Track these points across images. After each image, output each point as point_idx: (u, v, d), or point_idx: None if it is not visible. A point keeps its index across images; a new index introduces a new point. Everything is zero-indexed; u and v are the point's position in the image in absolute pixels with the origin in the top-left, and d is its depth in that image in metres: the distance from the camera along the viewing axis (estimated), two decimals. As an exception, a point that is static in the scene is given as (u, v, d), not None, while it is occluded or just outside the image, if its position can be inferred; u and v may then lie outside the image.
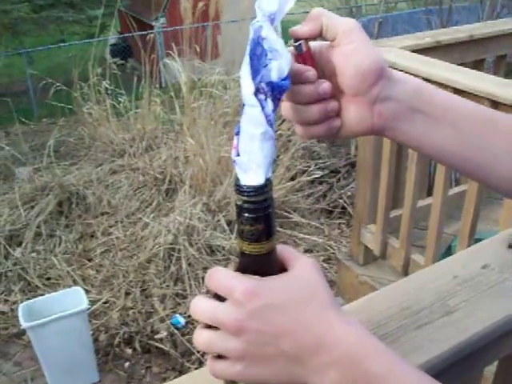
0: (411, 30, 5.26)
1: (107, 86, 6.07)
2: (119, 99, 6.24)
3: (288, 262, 0.64)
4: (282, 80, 0.61)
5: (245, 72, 0.60)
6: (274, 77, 0.61)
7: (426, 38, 2.80)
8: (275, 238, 0.63)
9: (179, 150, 5.24)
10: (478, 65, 2.99)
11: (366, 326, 0.85)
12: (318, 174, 5.12)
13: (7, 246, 4.41)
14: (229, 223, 4.45)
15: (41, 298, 3.46)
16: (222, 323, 0.59)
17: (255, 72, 0.60)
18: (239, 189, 0.60)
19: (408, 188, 2.62)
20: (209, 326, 0.61)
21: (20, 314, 3.10)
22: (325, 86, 0.67)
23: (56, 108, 6.39)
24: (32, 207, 4.82)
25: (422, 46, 2.73)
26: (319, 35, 0.68)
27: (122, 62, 9.54)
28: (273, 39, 0.62)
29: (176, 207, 4.60)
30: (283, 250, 0.65)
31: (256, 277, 0.61)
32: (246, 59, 0.60)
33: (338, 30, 0.67)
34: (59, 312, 3.12)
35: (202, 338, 0.61)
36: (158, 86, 6.35)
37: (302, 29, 0.67)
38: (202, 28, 6.15)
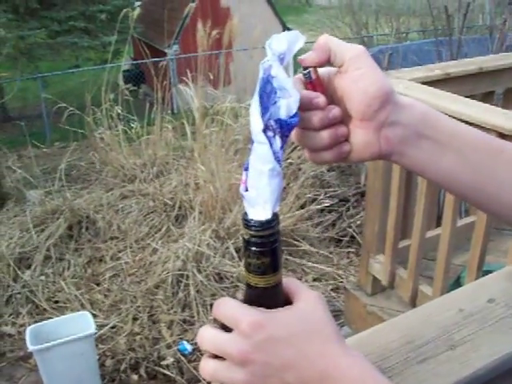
0: (421, 60, 5.30)
1: (119, 111, 6.13)
2: (131, 125, 6.31)
3: (294, 294, 0.64)
4: (291, 117, 0.62)
5: (254, 109, 0.61)
6: (283, 114, 0.62)
7: (436, 70, 2.82)
8: (281, 271, 0.64)
9: (190, 177, 5.27)
10: (487, 97, 3.00)
11: (369, 358, 0.85)
12: (328, 202, 5.13)
13: (16, 269, 4.43)
14: (238, 250, 4.46)
15: (48, 321, 3.46)
16: (228, 354, 0.60)
17: (264, 109, 0.62)
18: (247, 223, 0.62)
19: (417, 218, 2.62)
20: (215, 356, 0.61)
21: (27, 336, 3.11)
22: (335, 111, 0.68)
23: (68, 132, 6.46)
24: (42, 230, 4.84)
25: (431, 78, 2.74)
26: (327, 62, 0.69)
27: (135, 88, 9.62)
28: (282, 78, 0.63)
29: (185, 233, 4.62)
30: (289, 283, 0.65)
31: (262, 309, 0.62)
32: (256, 97, 0.62)
33: (345, 57, 0.68)
34: (66, 336, 3.12)
35: (208, 368, 0.62)
36: (169, 112, 6.42)
37: (310, 56, 0.68)
38: (214, 56, 6.22)
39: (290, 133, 0.64)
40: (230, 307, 0.62)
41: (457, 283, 2.88)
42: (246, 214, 0.63)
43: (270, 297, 0.65)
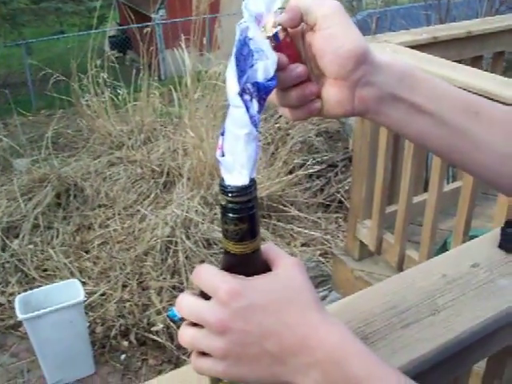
0: (410, 25, 5.26)
1: (106, 78, 6.06)
2: (118, 91, 6.24)
3: (272, 261, 0.64)
4: (268, 81, 0.61)
5: (230, 72, 0.60)
6: (260, 77, 0.61)
7: (424, 33, 2.80)
8: (259, 237, 0.63)
9: (178, 143, 5.24)
10: (475, 61, 2.98)
11: (353, 324, 0.86)
12: (316, 168, 5.12)
13: (4, 238, 4.41)
14: (227, 217, 4.46)
15: (37, 289, 3.46)
16: (206, 322, 0.59)
17: (241, 72, 0.61)
18: (224, 189, 0.61)
19: (404, 183, 2.63)
20: (194, 324, 0.61)
21: (16, 305, 3.11)
22: (298, 71, 0.67)
23: (54, 99, 6.40)
24: (30, 199, 4.82)
25: (419, 42, 2.72)
26: (299, 23, 0.67)
27: (121, 54, 9.51)
28: (259, 40, 0.62)
29: (174, 200, 4.61)
30: (268, 250, 0.65)
31: (241, 276, 0.61)
32: (232, 60, 0.61)
33: (318, 15, 0.66)
34: (56, 304, 3.13)
35: (185, 336, 0.62)
36: (156, 78, 6.35)
37: (281, 17, 0.66)
38: (202, 21, 6.14)
39: (267, 96, 0.62)
40: (208, 274, 0.61)
41: (443, 248, 2.90)
42: (222, 179, 0.62)
43: (249, 264, 0.65)
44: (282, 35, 0.66)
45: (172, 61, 6.13)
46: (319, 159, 5.30)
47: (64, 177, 4.97)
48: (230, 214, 0.61)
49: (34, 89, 9.04)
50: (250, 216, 0.61)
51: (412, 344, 0.81)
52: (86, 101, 6.17)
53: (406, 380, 0.59)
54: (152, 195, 4.90)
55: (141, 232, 4.42)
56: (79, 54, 6.18)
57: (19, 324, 3.77)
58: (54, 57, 9.75)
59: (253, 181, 0.61)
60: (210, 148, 4.75)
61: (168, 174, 5.02)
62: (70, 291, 3.25)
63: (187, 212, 4.36)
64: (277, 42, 0.66)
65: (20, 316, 3.03)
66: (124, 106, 6.11)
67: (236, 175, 0.61)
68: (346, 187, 5.01)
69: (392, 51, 2.46)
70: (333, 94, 0.70)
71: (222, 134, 0.63)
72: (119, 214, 4.71)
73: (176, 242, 4.18)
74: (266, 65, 0.61)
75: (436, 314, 0.86)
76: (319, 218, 4.82)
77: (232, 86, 0.60)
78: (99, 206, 4.84)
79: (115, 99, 6.17)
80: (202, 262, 4.13)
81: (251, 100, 0.61)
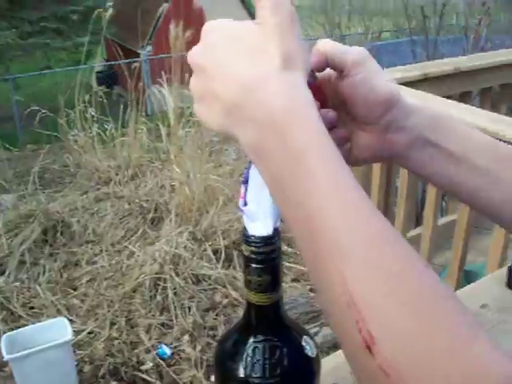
0: (397, 60, 5.32)
1: (93, 113, 6.06)
2: (105, 126, 6.23)
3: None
4: None
5: None
6: None
7: (414, 70, 2.83)
8: (282, 288, 0.62)
9: (165, 179, 5.23)
10: (464, 97, 3.02)
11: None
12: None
13: (-11, 276, 4.35)
14: (215, 252, 4.43)
15: (24, 328, 3.39)
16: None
17: None
18: (247, 239, 0.59)
19: (398, 219, 2.63)
20: None
21: (2, 345, 3.04)
22: (330, 116, 0.66)
23: (41, 135, 6.38)
24: (16, 235, 4.76)
25: (409, 78, 2.75)
26: (325, 66, 0.67)
27: (108, 89, 9.54)
28: None
29: (162, 236, 4.58)
30: None
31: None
32: None
33: (345, 61, 0.66)
34: (43, 343, 3.06)
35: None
36: (144, 113, 6.36)
37: None
38: (182, 58, 6.17)
39: None
40: None
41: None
42: (245, 229, 0.60)
43: (270, 314, 0.63)
44: (310, 79, 0.66)
45: (155, 98, 6.16)
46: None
47: (51, 213, 4.93)
48: (253, 265, 0.59)
49: (20, 123, 9.03)
50: (273, 267, 0.60)
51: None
52: (73, 136, 6.16)
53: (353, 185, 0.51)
54: (140, 231, 4.86)
55: (129, 269, 4.37)
56: (67, 89, 6.18)
57: (4, 364, 3.67)
58: (41, 92, 9.74)
59: (277, 230, 0.60)
60: (197, 184, 4.74)
61: (156, 209, 4.99)
62: (58, 330, 3.18)
63: (176, 248, 4.33)
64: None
65: (6, 356, 2.96)
66: (111, 141, 6.10)
67: (259, 225, 0.60)
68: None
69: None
70: (362, 138, 0.69)
71: (245, 183, 0.61)
72: (107, 251, 4.66)
73: (165, 279, 4.13)
74: None
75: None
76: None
77: None
78: (86, 242, 4.79)
79: (103, 134, 6.16)
80: (192, 298, 4.08)
81: None
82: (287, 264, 4.59)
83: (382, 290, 0.44)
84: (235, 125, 0.55)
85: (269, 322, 0.64)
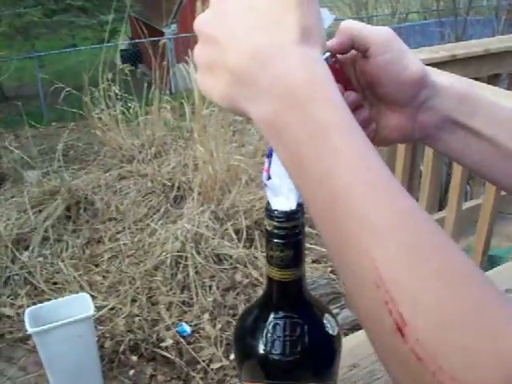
0: (424, 42, 5.24)
1: (117, 91, 6.07)
2: (129, 105, 6.24)
3: None
4: None
5: None
6: None
7: (441, 51, 2.78)
8: (304, 264, 0.61)
9: (188, 157, 5.22)
10: (492, 80, 2.96)
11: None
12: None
13: (14, 250, 4.40)
14: (237, 232, 4.43)
15: (47, 303, 3.43)
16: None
17: None
18: (270, 214, 0.59)
19: (421, 202, 2.59)
20: None
21: (26, 318, 3.08)
22: (350, 99, 0.65)
23: (66, 112, 6.41)
24: (40, 211, 4.81)
25: (436, 59, 2.70)
26: (349, 49, 0.65)
27: (133, 67, 9.55)
28: None
29: (184, 214, 4.59)
30: None
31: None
32: None
33: (370, 41, 0.64)
34: (65, 318, 3.09)
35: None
36: (168, 92, 6.36)
37: (330, 42, 0.64)
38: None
39: None
40: None
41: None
42: (268, 203, 0.60)
43: (292, 291, 0.62)
44: (330, 61, 0.64)
45: (182, 75, 6.15)
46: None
47: (74, 190, 4.96)
48: (276, 240, 0.59)
49: (45, 101, 9.08)
50: (296, 242, 0.59)
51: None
52: (98, 114, 6.18)
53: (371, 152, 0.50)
54: (162, 209, 4.88)
55: (151, 246, 4.39)
56: (91, 67, 6.19)
57: (28, 337, 3.74)
58: (66, 70, 9.78)
59: (300, 206, 0.59)
60: (220, 163, 4.74)
61: (178, 188, 5.00)
62: (80, 305, 3.22)
63: (198, 227, 4.34)
64: None
65: (29, 329, 3.00)
66: (135, 119, 6.11)
67: (283, 199, 0.59)
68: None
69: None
70: (392, 120, 0.67)
71: (269, 156, 0.60)
72: (129, 228, 4.69)
73: (186, 257, 4.15)
74: None
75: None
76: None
77: None
78: (109, 220, 4.82)
79: (126, 113, 6.17)
80: (212, 277, 4.10)
81: None
82: (308, 245, 4.58)
83: (411, 268, 0.43)
84: (247, 98, 0.52)
85: (290, 298, 0.64)
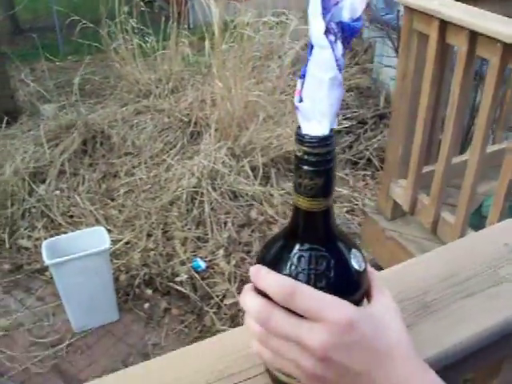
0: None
1: (134, 24, 5.95)
2: (146, 39, 6.13)
3: (372, 290, 0.63)
4: (354, 21, 0.54)
5: (315, 9, 0.53)
6: (346, 17, 0.54)
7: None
8: (332, 195, 0.58)
9: (206, 93, 5.15)
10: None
11: (409, 292, 0.80)
12: (346, 124, 5.01)
13: (31, 183, 4.41)
14: (253, 169, 4.41)
15: (64, 235, 3.47)
16: (304, 344, 0.56)
17: (325, 10, 0.53)
18: (300, 138, 0.55)
19: (444, 143, 2.54)
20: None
21: (43, 250, 3.11)
22: None
23: (82, 46, 6.30)
24: (57, 145, 4.80)
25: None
26: None
27: (150, 1, 9.35)
28: None
29: (200, 150, 4.55)
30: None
31: (347, 302, 0.58)
32: None
33: None
34: (82, 250, 3.12)
35: (273, 344, 0.59)
36: (186, 26, 6.23)
37: None
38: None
39: (352, 39, 0.56)
40: (310, 297, 0.57)
41: (478, 212, 2.83)
42: (299, 128, 0.56)
43: (318, 222, 0.60)
44: None
45: (200, 9, 6.00)
46: (349, 115, 5.21)
47: (91, 124, 4.93)
48: (306, 167, 0.55)
49: (61, 34, 8.94)
50: (327, 170, 0.56)
51: (475, 315, 0.76)
52: (114, 48, 6.08)
53: None
54: (178, 145, 4.85)
55: (167, 182, 4.39)
56: (107, 0, 6.06)
57: (45, 268, 3.79)
58: (82, 2, 9.59)
59: (333, 131, 0.56)
60: (238, 99, 4.67)
61: (195, 124, 4.95)
62: (96, 238, 3.24)
63: (214, 163, 4.31)
64: None
65: (46, 261, 3.03)
66: (152, 53, 6.00)
67: (315, 124, 0.55)
68: (375, 145, 4.93)
69: (439, 4, 2.34)
70: None
71: (302, 77, 0.56)
72: (145, 163, 4.68)
73: (202, 193, 4.15)
74: (353, 3, 0.54)
75: (499, 285, 0.81)
76: (347, 174, 4.74)
77: (317, 24, 0.53)
78: (125, 154, 4.80)
79: (144, 47, 6.06)
80: (228, 213, 4.10)
81: (335, 41, 0.54)
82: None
83: None
84: None
85: (317, 230, 0.60)
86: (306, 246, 0.61)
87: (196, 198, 4.15)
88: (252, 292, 0.61)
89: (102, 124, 4.99)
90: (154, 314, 3.50)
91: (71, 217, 4.21)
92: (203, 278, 3.66)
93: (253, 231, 4.02)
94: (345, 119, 5.11)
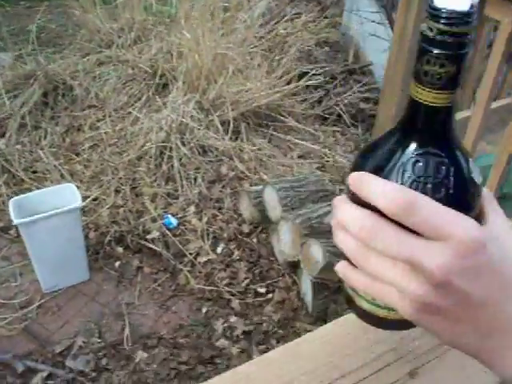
0: None
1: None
2: (105, -15, 5.86)
3: (486, 209, 0.53)
4: None
5: None
6: None
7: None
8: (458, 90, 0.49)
9: (172, 44, 4.97)
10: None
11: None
12: (316, 79, 4.91)
13: (-10, 136, 4.21)
14: (222, 123, 4.29)
15: (32, 193, 3.32)
16: (419, 265, 0.47)
17: None
18: (435, 13, 0.46)
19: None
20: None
21: (11, 209, 2.96)
22: None
23: (36, -10, 6.01)
24: (15, 96, 4.57)
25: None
26: None
27: None
28: None
29: (167, 104, 4.41)
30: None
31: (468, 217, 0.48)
32: None
33: None
34: (51, 208, 2.99)
35: (373, 267, 0.50)
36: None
37: None
38: None
39: None
40: (432, 211, 0.48)
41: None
42: (432, 1, 0.47)
43: (441, 121, 0.51)
44: None
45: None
46: (318, 70, 5.10)
47: (51, 74, 4.71)
48: (438, 50, 0.47)
49: (12, -22, 8.52)
50: (463, 55, 0.47)
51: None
52: (72, -7, 5.80)
53: None
54: (144, 98, 4.68)
55: (133, 135, 4.24)
56: None
57: (9, 227, 3.64)
58: None
59: (474, 8, 0.46)
60: (207, 51, 4.52)
61: (161, 76, 4.78)
62: (66, 195, 3.11)
63: (183, 117, 4.18)
64: None
65: (15, 220, 2.89)
66: (113, 1, 5.76)
67: None
68: (346, 100, 4.86)
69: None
70: None
71: None
72: (110, 116, 4.51)
73: (171, 148, 4.03)
74: None
75: None
76: (316, 130, 4.67)
77: None
78: (89, 107, 4.61)
79: (104, -7, 5.80)
80: (197, 169, 4.00)
81: None
82: (295, 140, 4.48)
83: None
84: (493, 350, 0.50)
85: (437, 131, 0.51)
86: (423, 149, 0.52)
87: (164, 153, 4.03)
88: (350, 203, 0.52)
89: (64, 75, 4.77)
90: (125, 272, 3.41)
91: (34, 172, 4.04)
92: (175, 235, 3.57)
93: (223, 187, 3.93)
94: (313, 74, 5.01)
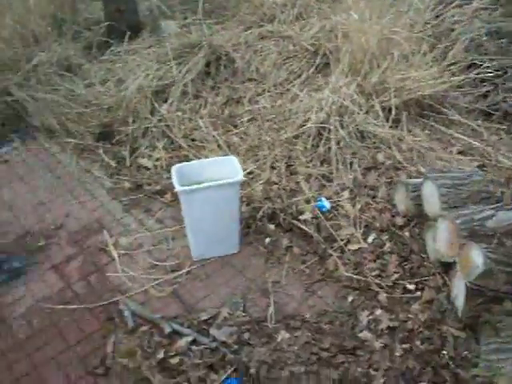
0: None
1: None
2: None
3: None
4: None
5: None
6: None
7: None
8: None
9: (335, 24, 4.85)
10: None
11: None
12: (488, 71, 4.62)
13: (153, 101, 4.30)
14: (383, 110, 4.15)
15: (195, 161, 3.35)
16: None
17: None
18: None
19: None
20: None
21: (174, 176, 3.00)
22: None
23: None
24: (179, 64, 4.65)
25: None
26: None
27: None
28: None
29: (328, 84, 4.31)
30: None
31: None
32: None
33: None
34: (211, 179, 3.00)
35: None
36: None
37: None
38: None
39: None
40: None
41: None
42: None
43: None
44: None
45: None
46: (488, 62, 4.80)
47: (214, 45, 4.75)
48: None
49: None
50: None
51: None
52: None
53: None
54: (304, 75, 4.63)
55: (291, 113, 4.19)
56: None
57: (165, 191, 3.73)
58: None
59: None
60: (373, 34, 4.37)
61: (323, 55, 4.69)
62: (228, 168, 3.11)
63: (344, 99, 4.07)
64: None
65: (178, 188, 2.92)
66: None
67: None
68: (515, 97, 4.55)
69: None
70: None
71: None
72: (269, 91, 4.49)
73: (329, 130, 3.94)
74: None
75: None
76: (479, 125, 4.40)
77: None
78: (249, 80, 4.63)
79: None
80: (354, 154, 3.89)
81: None
82: (456, 134, 4.25)
83: None
84: None
85: None
86: None
87: (322, 134, 3.95)
88: None
89: (226, 46, 4.81)
90: (275, 250, 3.37)
91: (193, 140, 4.10)
92: (327, 219, 3.48)
93: (379, 175, 3.80)
94: (480, 66, 4.72)
